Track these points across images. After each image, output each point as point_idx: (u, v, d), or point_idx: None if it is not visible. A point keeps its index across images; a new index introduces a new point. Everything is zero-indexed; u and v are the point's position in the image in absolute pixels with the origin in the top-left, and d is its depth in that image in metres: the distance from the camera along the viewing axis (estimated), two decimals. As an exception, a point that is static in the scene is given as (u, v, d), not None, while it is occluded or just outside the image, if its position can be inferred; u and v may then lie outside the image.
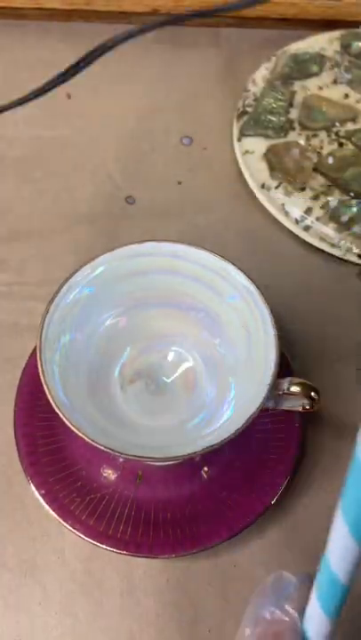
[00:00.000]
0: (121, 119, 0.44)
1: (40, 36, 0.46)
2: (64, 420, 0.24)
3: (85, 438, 0.24)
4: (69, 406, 0.25)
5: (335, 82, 0.43)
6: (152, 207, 0.41)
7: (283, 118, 0.42)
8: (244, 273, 0.28)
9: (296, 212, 0.39)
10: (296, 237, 0.39)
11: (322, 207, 0.38)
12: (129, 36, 0.31)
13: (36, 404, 0.32)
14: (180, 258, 0.30)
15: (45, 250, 0.39)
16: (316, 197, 0.39)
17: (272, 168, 0.40)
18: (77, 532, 0.30)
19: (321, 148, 0.40)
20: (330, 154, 0.40)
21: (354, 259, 0.38)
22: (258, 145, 0.41)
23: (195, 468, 0.32)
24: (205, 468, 0.32)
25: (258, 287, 0.28)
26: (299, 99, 0.42)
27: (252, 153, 0.41)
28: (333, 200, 0.38)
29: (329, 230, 0.38)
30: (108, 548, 0.29)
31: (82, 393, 0.28)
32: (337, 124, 0.41)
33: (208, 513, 0.30)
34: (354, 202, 0.38)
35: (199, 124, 0.44)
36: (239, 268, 0.28)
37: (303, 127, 0.41)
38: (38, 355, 0.26)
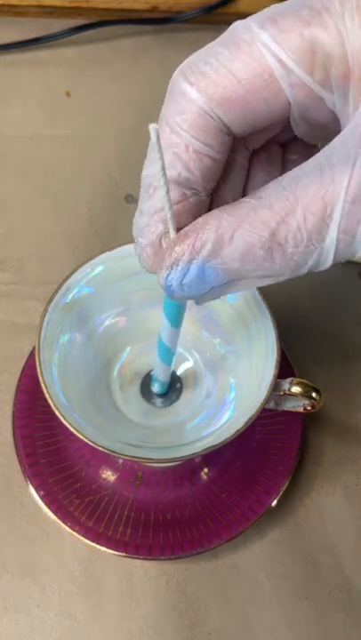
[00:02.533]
0: (121, 118, 0.44)
1: (39, 33, 0.46)
2: (63, 420, 0.24)
3: (84, 439, 0.24)
4: (68, 407, 0.25)
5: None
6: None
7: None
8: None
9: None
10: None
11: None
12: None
13: (34, 405, 0.32)
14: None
15: (44, 249, 0.39)
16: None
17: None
18: (76, 534, 0.29)
19: (322, 146, 0.40)
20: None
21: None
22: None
23: (195, 468, 0.32)
24: (206, 469, 0.32)
25: (258, 287, 0.27)
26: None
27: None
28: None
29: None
30: (108, 550, 0.29)
31: (81, 393, 0.28)
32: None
33: (208, 514, 0.30)
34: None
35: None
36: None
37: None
38: (37, 355, 0.25)
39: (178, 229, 0.18)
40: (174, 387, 0.31)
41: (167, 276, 0.18)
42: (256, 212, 0.16)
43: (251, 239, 0.16)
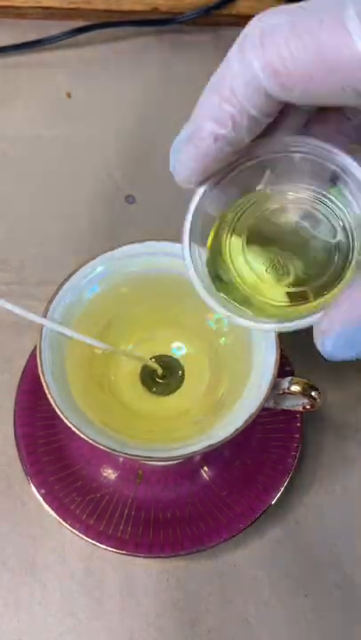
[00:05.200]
0: (121, 119, 0.44)
1: (40, 34, 0.46)
2: (64, 419, 0.24)
3: (85, 438, 0.24)
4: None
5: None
6: (152, 206, 0.41)
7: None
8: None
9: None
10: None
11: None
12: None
13: (36, 404, 0.32)
14: (180, 257, 0.29)
15: (45, 250, 0.39)
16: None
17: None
18: (77, 532, 0.30)
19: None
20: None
21: None
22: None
23: (195, 467, 0.32)
24: (205, 468, 0.32)
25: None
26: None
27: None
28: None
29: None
30: (108, 548, 0.29)
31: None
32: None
33: (208, 513, 0.30)
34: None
35: (199, 124, 0.44)
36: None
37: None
38: (38, 354, 0.26)
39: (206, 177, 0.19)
40: (176, 375, 0.31)
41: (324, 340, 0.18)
42: None
43: None
